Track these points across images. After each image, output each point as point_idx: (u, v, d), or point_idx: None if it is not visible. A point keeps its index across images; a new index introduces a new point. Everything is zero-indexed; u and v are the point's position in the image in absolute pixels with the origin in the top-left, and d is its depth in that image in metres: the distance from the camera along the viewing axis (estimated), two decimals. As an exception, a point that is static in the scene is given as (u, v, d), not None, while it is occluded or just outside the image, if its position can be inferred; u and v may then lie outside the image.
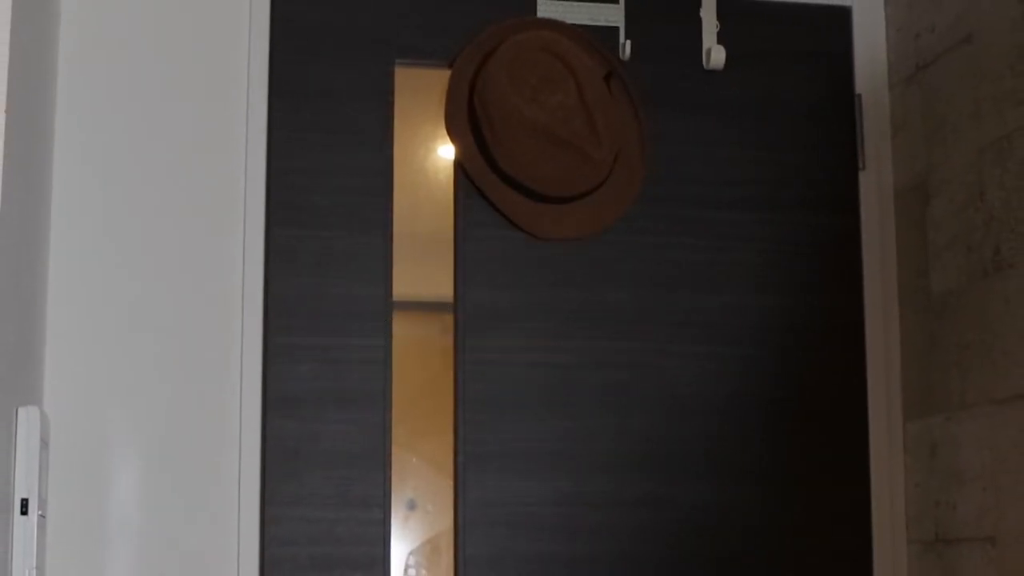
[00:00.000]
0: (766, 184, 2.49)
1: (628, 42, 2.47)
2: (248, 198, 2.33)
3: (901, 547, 2.43)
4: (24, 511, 1.95)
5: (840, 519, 2.42)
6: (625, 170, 2.42)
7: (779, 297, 2.46)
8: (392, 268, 2.37)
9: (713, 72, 2.50)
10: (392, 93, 2.41)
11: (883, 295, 2.49)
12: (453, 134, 2.38)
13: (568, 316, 2.41)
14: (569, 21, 2.46)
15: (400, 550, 2.33)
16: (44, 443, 2.05)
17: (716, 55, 2.47)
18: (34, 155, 2.10)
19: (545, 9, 2.47)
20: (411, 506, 2.36)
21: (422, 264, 2.41)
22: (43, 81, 2.18)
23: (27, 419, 1.98)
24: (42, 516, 2.04)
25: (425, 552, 2.35)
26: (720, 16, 2.51)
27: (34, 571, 1.96)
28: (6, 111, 1.81)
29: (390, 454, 2.32)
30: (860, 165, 2.52)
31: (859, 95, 2.54)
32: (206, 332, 2.29)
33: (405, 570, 2.33)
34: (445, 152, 2.44)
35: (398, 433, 2.35)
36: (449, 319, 2.39)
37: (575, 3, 2.48)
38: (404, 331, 2.37)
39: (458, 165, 2.41)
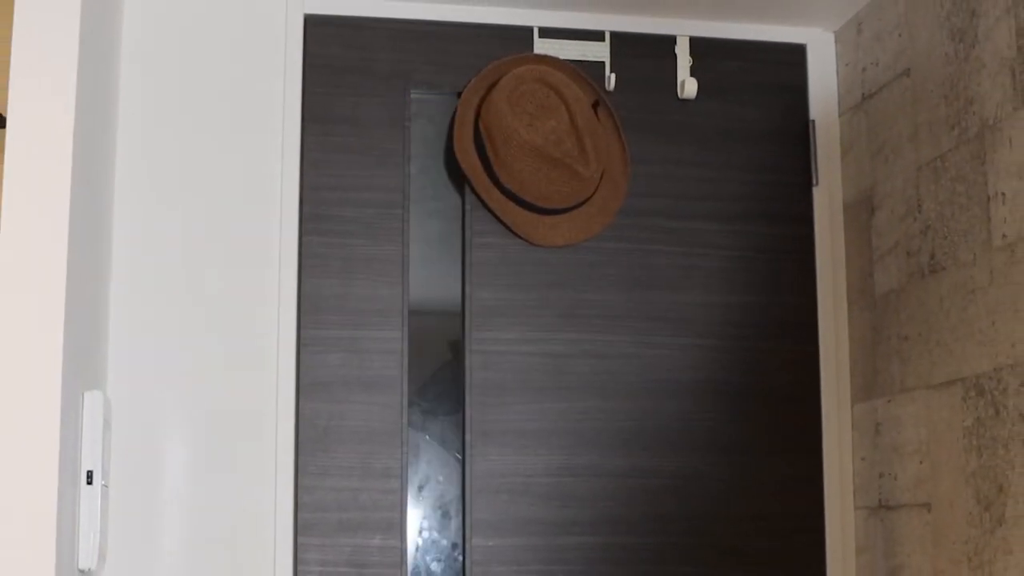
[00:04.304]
0: (732, 199, 2.49)
1: (613, 75, 2.47)
2: (283, 210, 2.33)
3: (849, 512, 2.42)
4: (90, 481, 1.95)
5: (796, 488, 2.42)
6: (610, 186, 2.42)
7: (743, 296, 2.46)
8: (408, 270, 2.37)
9: (686, 101, 2.50)
10: (408, 119, 2.41)
11: (833, 294, 2.49)
12: (461, 154, 2.38)
13: (561, 312, 2.40)
14: (561, 57, 2.46)
15: (415, 515, 2.33)
16: (107, 423, 2.06)
17: (689, 86, 2.47)
18: (98, 172, 2.10)
19: (540, 46, 2.47)
20: (425, 477, 2.35)
21: (434, 267, 2.41)
22: (105, 108, 2.18)
23: (92, 402, 1.98)
24: (105, 486, 2.04)
25: (437, 517, 2.35)
26: (693, 52, 2.51)
27: (98, 533, 1.97)
28: (73, 136, 1.81)
29: (407, 432, 2.32)
30: (814, 182, 2.52)
31: (813, 121, 2.54)
32: (247, 326, 2.29)
33: (419, 532, 2.33)
34: (454, 170, 2.43)
35: (413, 414, 2.35)
36: (458, 315, 2.39)
37: (566, 41, 2.47)
38: (418, 325, 2.37)
39: (465, 181, 2.41)
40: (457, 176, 2.43)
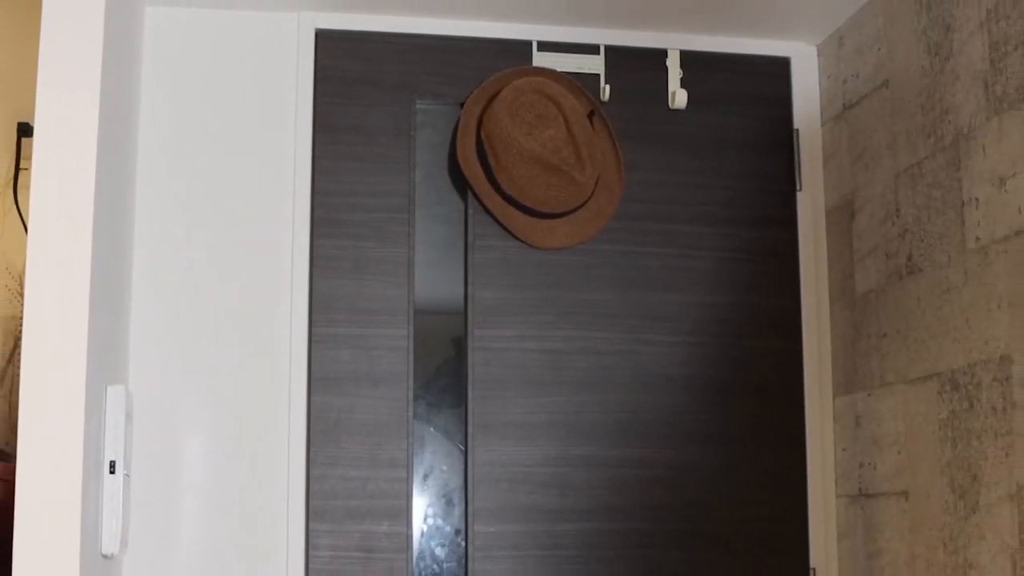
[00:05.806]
0: (720, 203, 2.49)
1: (607, 86, 2.47)
2: (296, 215, 2.34)
3: (831, 500, 2.43)
4: (112, 471, 1.96)
5: (781, 477, 2.43)
6: (605, 191, 2.43)
7: (731, 296, 2.47)
8: (414, 272, 2.37)
9: (677, 111, 2.51)
10: (414, 128, 2.42)
11: (816, 294, 2.49)
12: (463, 162, 2.38)
13: (559, 311, 2.41)
14: (559, 69, 2.46)
15: (420, 503, 2.34)
16: (128, 415, 2.06)
17: (679, 97, 2.47)
18: (120, 177, 2.11)
19: (539, 59, 2.47)
20: (429, 467, 2.36)
21: (438, 268, 2.41)
22: (127, 117, 2.19)
23: (114, 396, 1.99)
24: (127, 475, 2.05)
25: (440, 505, 2.35)
26: (683, 65, 2.52)
27: (120, 520, 1.97)
28: (96, 143, 1.82)
29: (412, 424, 2.33)
30: (797, 187, 2.53)
31: (796, 130, 2.54)
32: (262, 324, 2.30)
33: (424, 519, 2.34)
34: (457, 177, 2.44)
35: (419, 407, 2.35)
36: (460, 314, 2.40)
37: (564, 54, 2.48)
38: (423, 323, 2.38)
39: (468, 187, 2.42)
40: (460, 182, 2.44)
